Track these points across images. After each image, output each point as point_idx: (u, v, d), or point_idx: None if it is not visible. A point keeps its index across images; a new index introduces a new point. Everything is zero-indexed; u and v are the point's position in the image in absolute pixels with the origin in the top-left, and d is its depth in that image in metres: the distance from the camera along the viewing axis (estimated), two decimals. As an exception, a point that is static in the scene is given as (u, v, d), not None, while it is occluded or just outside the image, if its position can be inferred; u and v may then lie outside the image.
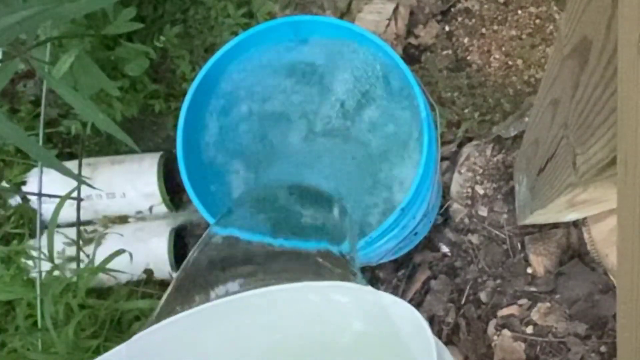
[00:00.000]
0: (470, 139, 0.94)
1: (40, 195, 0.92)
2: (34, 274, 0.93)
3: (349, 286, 0.34)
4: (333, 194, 0.54)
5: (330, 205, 0.52)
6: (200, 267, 0.39)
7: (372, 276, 0.94)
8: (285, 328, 0.35)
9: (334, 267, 0.40)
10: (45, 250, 0.89)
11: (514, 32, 0.98)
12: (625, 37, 0.31)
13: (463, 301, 0.88)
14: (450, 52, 1.00)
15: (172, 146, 0.70)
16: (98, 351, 0.84)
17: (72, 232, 0.98)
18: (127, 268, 0.94)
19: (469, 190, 0.91)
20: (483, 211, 0.90)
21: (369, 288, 0.33)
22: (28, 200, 1.03)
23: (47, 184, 0.94)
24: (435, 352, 0.29)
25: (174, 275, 0.99)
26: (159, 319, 0.33)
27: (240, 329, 0.35)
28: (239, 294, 0.34)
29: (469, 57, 0.99)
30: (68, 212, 0.96)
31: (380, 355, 0.34)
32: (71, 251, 0.96)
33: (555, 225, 0.86)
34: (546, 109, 0.59)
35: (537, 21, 0.98)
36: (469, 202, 0.90)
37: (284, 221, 0.50)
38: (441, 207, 0.92)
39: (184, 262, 0.39)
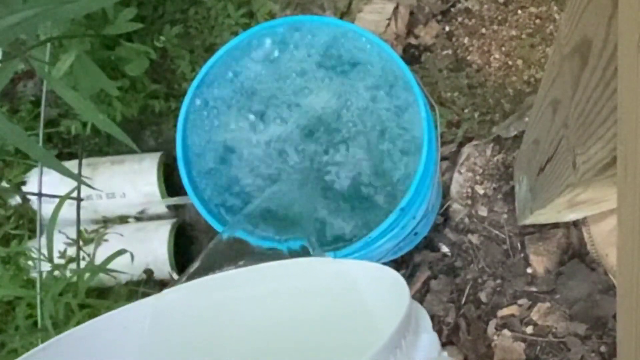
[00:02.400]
0: (470, 139, 0.94)
1: (40, 195, 0.92)
2: (34, 274, 0.93)
3: (310, 259, 0.41)
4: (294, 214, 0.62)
5: (293, 223, 0.60)
6: (211, 258, 0.43)
7: (372, 276, 0.94)
8: (270, 301, 0.41)
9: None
10: (45, 250, 0.89)
11: (514, 32, 0.98)
12: (625, 37, 0.31)
13: (463, 301, 0.88)
14: (450, 52, 1.00)
15: (172, 146, 0.70)
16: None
17: (72, 232, 0.98)
18: (127, 268, 0.94)
19: (469, 190, 0.91)
20: (483, 211, 0.90)
21: (329, 258, 0.39)
22: (28, 200, 1.03)
23: (47, 184, 0.93)
24: (408, 300, 0.30)
25: (174, 275, 0.99)
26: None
27: (233, 300, 0.41)
28: (235, 269, 0.40)
29: (469, 57, 0.99)
30: (68, 212, 0.96)
31: (341, 320, 0.38)
32: (71, 251, 0.96)
33: (555, 225, 0.86)
34: (546, 109, 0.59)
35: (537, 21, 0.98)
36: (469, 202, 0.90)
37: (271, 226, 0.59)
38: (441, 207, 0.92)
39: (202, 252, 0.44)
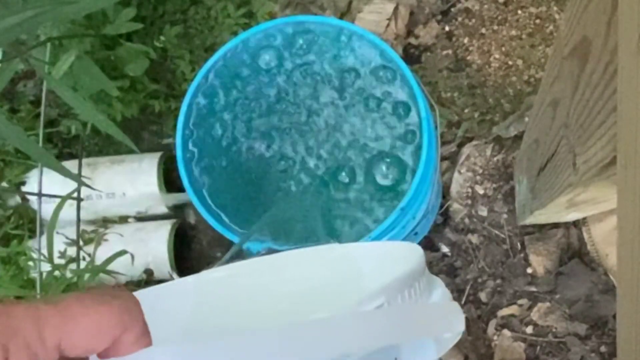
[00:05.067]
0: (470, 139, 0.94)
1: (40, 195, 0.92)
2: (34, 274, 0.93)
3: (316, 248, 0.43)
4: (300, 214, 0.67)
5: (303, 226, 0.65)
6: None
7: (372, 276, 0.94)
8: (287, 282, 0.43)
9: None
10: (45, 250, 0.89)
11: (514, 32, 0.98)
12: (625, 37, 0.31)
13: (463, 301, 0.88)
14: (450, 52, 1.00)
15: (172, 146, 0.70)
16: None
17: (72, 232, 0.98)
18: (127, 268, 0.94)
19: (469, 190, 0.91)
20: (483, 211, 0.90)
21: (334, 245, 0.42)
22: (28, 200, 1.03)
23: (47, 184, 0.93)
24: (420, 253, 0.31)
25: (174, 275, 0.99)
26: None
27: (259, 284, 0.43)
28: (259, 257, 0.44)
29: (469, 57, 0.99)
30: (68, 212, 0.96)
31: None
32: (72, 251, 0.96)
33: (555, 225, 0.86)
34: (546, 109, 0.59)
35: (537, 21, 0.98)
36: (469, 202, 0.90)
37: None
38: (441, 207, 0.92)
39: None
